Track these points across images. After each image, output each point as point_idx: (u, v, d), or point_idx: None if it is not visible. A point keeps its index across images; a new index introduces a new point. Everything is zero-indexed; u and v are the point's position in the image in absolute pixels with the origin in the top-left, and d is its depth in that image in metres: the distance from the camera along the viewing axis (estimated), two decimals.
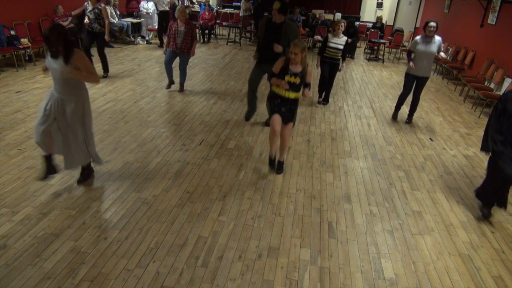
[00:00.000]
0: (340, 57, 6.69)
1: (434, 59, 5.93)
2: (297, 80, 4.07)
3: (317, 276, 2.94)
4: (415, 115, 6.50)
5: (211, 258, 3.03)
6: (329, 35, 6.62)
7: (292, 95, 4.14)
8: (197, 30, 12.52)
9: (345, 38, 6.58)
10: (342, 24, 6.54)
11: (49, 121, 3.47)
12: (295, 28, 5.49)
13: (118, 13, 11.16)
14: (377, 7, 16.00)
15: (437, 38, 5.74)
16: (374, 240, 3.40)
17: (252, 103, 5.91)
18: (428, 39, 5.72)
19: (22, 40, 7.77)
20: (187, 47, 6.71)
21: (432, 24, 5.63)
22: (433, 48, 5.72)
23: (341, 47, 6.54)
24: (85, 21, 7.38)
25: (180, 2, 12.49)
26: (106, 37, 7.43)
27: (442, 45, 5.83)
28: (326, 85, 7.00)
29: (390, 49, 12.91)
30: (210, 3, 13.52)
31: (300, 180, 4.31)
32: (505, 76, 7.41)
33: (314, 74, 8.85)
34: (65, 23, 9.28)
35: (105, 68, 7.73)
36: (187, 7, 12.81)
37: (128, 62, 9.19)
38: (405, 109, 7.07)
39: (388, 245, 3.35)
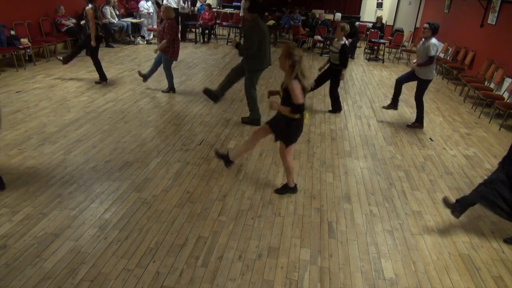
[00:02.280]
0: (338, 62, 6.22)
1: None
2: (280, 93, 3.60)
3: (317, 276, 2.94)
4: (414, 115, 6.36)
5: (211, 258, 3.03)
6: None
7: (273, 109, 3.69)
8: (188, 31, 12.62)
9: (341, 42, 6.07)
10: (339, 29, 6.13)
11: None
12: (251, 24, 5.32)
13: (117, 13, 11.16)
14: (377, 7, 16.01)
15: (431, 42, 5.57)
16: (374, 240, 3.40)
17: None
18: (425, 40, 5.71)
19: (22, 40, 7.77)
20: (163, 47, 6.48)
21: (425, 25, 5.68)
22: (424, 48, 5.64)
23: (336, 50, 6.11)
24: (81, 22, 7.04)
25: (186, 2, 12.48)
26: (92, 43, 6.69)
27: (435, 47, 5.61)
28: (329, 91, 6.59)
29: (390, 49, 12.91)
30: (210, 2, 13.51)
31: (300, 180, 4.31)
32: (505, 76, 7.41)
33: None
34: (67, 23, 9.30)
35: (101, 75, 7.00)
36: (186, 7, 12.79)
37: (128, 62, 9.19)
38: (404, 109, 7.09)
39: (388, 245, 3.35)
